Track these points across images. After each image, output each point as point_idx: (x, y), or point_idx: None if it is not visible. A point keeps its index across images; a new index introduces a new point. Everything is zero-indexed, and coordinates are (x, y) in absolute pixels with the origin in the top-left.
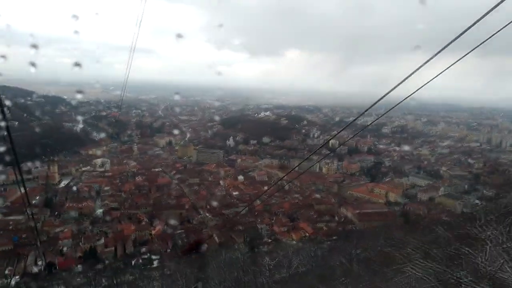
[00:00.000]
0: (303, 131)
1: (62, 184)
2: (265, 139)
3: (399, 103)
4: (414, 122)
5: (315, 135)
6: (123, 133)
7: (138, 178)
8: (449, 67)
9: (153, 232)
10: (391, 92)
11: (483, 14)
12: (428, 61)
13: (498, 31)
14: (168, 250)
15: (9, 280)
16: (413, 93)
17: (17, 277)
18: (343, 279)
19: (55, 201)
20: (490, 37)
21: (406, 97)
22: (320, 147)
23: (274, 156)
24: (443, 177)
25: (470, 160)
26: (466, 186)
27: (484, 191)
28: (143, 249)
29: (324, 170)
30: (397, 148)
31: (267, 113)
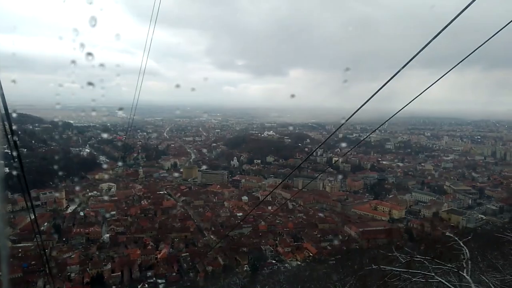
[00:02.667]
0: (306, 149)
1: (70, 210)
2: (269, 158)
3: (389, 118)
4: (418, 137)
5: (319, 153)
6: (129, 157)
7: (144, 202)
8: (434, 83)
9: (158, 255)
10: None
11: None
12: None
13: (476, 48)
14: (174, 274)
15: None
16: (402, 108)
17: None
18: None
19: (63, 227)
20: (469, 55)
21: (396, 112)
22: (324, 170)
23: (278, 175)
24: (447, 192)
25: (474, 174)
26: (470, 201)
27: (488, 205)
28: (149, 273)
29: (327, 188)
30: (401, 164)
31: (271, 132)
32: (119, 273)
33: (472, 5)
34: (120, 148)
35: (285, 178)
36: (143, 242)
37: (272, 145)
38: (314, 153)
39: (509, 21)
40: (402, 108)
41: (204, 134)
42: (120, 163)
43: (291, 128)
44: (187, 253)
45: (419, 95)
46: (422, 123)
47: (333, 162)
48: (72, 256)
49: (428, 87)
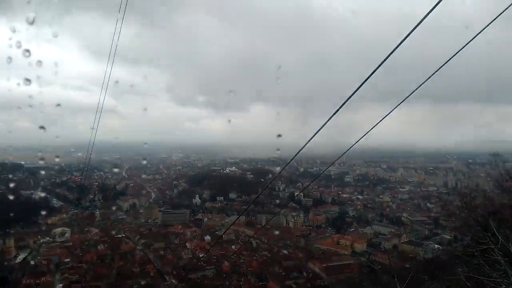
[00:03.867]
0: (269, 185)
1: (19, 259)
2: (232, 195)
3: (346, 151)
4: (375, 169)
5: (281, 188)
6: (84, 198)
7: (101, 247)
8: (385, 116)
9: None
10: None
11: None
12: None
13: (420, 85)
14: None
15: None
16: (357, 142)
17: None
18: None
19: (11, 278)
20: (414, 91)
21: (352, 146)
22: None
23: (241, 212)
24: (405, 224)
25: (429, 205)
26: (426, 231)
27: (443, 235)
28: None
29: (291, 223)
30: (360, 197)
31: (233, 168)
32: None
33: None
34: (75, 190)
35: (240, 214)
36: None
37: (234, 181)
38: (277, 189)
39: (448, 59)
40: (357, 142)
41: (165, 172)
42: (75, 206)
43: (254, 163)
44: None
45: (371, 129)
46: (379, 155)
47: (295, 196)
48: None
49: (380, 121)
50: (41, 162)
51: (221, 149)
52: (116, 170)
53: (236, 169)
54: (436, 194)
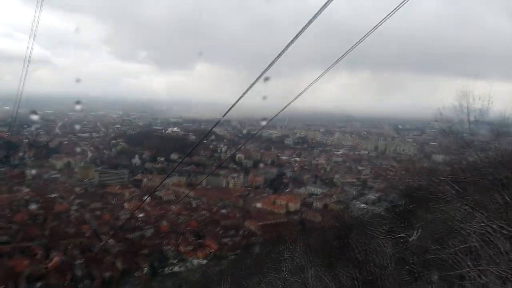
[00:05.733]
0: (211, 146)
1: None
2: (174, 156)
3: (275, 115)
4: (314, 133)
5: (223, 150)
6: (13, 156)
7: (32, 207)
8: (314, 81)
9: (49, 265)
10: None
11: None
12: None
13: (349, 50)
14: (66, 283)
15: None
16: (288, 104)
17: None
18: None
19: None
20: (341, 57)
21: (283, 109)
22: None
23: (182, 173)
24: (336, 185)
25: (359, 167)
26: (354, 192)
27: (369, 196)
28: (38, 284)
29: (230, 184)
30: (298, 159)
31: (175, 128)
32: (3, 287)
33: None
34: (2, 147)
35: (205, 177)
36: (31, 251)
37: (177, 142)
38: (219, 150)
39: (377, 24)
40: (287, 105)
41: (103, 129)
42: (2, 163)
43: (197, 123)
44: (83, 260)
45: (301, 93)
46: (318, 119)
47: (236, 158)
48: None
49: (310, 85)
50: None
51: (164, 108)
52: (49, 126)
53: (179, 130)
54: (366, 157)
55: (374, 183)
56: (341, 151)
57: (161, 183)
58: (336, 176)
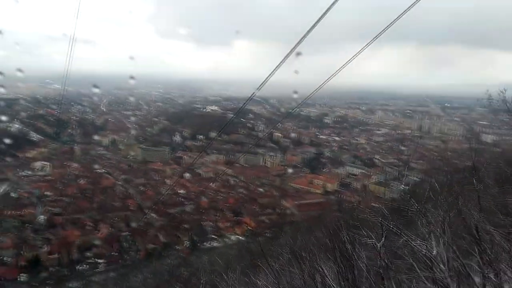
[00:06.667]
0: (249, 124)
1: (0, 191)
2: (212, 134)
3: (316, 90)
4: (354, 111)
5: (261, 128)
6: (63, 133)
7: (81, 181)
8: (355, 56)
9: (98, 236)
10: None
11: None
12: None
13: (392, 22)
14: (114, 253)
15: None
16: (326, 81)
17: None
18: None
19: None
20: (383, 31)
21: (321, 86)
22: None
23: (220, 151)
24: (376, 165)
25: (401, 147)
26: (396, 173)
27: (410, 177)
28: (88, 254)
29: (268, 163)
30: (337, 138)
31: (214, 106)
32: (57, 255)
33: None
34: (53, 124)
35: (240, 156)
36: (82, 223)
37: (215, 120)
38: (257, 128)
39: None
40: (325, 82)
41: (145, 107)
42: (53, 140)
43: (235, 102)
44: (128, 232)
45: (339, 70)
46: (359, 97)
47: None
48: (5, 239)
49: (348, 62)
50: (16, 93)
51: (203, 86)
52: (95, 104)
53: (218, 108)
54: (410, 137)
55: (417, 164)
56: (382, 130)
57: (196, 159)
58: (377, 156)
